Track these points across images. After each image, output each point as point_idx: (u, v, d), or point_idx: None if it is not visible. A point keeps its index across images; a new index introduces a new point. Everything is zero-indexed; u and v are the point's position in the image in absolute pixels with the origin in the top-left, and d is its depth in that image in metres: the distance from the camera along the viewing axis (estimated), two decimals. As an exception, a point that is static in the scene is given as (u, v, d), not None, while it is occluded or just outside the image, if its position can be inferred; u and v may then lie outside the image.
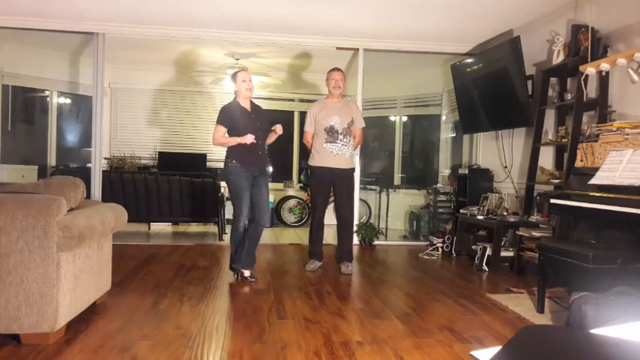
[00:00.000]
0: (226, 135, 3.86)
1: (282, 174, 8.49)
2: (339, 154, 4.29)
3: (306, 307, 3.19)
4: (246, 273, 3.86)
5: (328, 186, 4.37)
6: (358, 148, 4.96)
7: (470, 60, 5.61)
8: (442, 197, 6.08)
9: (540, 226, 4.30)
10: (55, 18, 5.30)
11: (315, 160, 4.36)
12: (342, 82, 4.35)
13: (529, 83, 4.76)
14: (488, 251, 4.53)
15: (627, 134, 3.32)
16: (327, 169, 4.30)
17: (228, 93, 7.64)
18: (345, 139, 4.30)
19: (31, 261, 2.32)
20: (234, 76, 3.94)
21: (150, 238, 6.20)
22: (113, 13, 5.15)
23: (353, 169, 4.45)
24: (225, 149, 3.91)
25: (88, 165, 5.84)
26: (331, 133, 4.28)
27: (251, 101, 3.99)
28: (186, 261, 4.61)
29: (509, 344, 1.65)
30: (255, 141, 3.79)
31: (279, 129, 4.05)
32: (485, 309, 3.25)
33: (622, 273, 2.81)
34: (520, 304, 3.32)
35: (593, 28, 3.96)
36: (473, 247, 4.83)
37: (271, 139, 4.10)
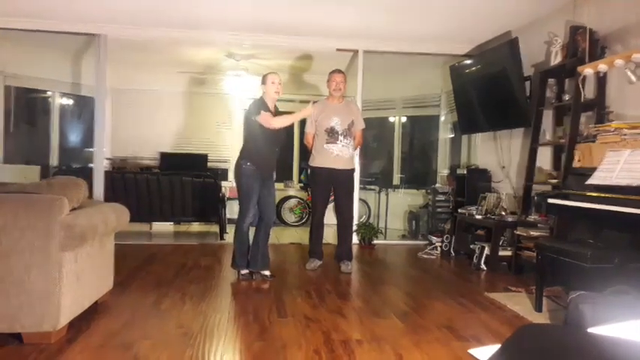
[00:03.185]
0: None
1: (283, 174, 8.50)
2: (340, 155, 4.31)
3: (306, 306, 3.21)
4: (266, 272, 3.94)
5: (328, 186, 4.39)
6: (358, 149, 4.96)
7: (468, 61, 5.63)
8: (441, 197, 6.10)
9: (538, 225, 4.31)
10: (57, 19, 5.32)
11: (316, 161, 4.38)
12: (343, 85, 4.36)
13: (527, 84, 4.78)
14: (487, 250, 4.54)
15: (625, 135, 3.33)
16: (327, 169, 4.32)
17: (229, 94, 7.70)
18: (345, 140, 4.32)
19: (33, 260, 2.33)
20: (264, 78, 3.97)
21: (151, 238, 6.22)
22: (115, 14, 5.17)
23: (353, 170, 4.47)
24: (241, 150, 3.96)
25: (90, 165, 5.86)
26: (332, 134, 4.30)
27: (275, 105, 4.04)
28: (188, 260, 4.63)
29: (507, 342, 1.67)
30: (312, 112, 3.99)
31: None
32: (484, 308, 3.27)
33: (619, 272, 2.82)
34: (518, 303, 3.34)
35: (591, 30, 3.97)
36: (471, 246, 4.85)
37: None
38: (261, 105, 3.87)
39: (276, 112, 4.01)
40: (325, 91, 4.59)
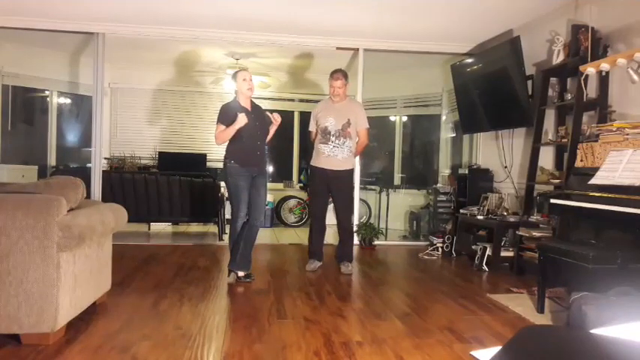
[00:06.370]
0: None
1: (282, 174, 8.49)
2: (331, 156, 4.28)
3: (306, 307, 3.19)
4: (240, 274, 3.84)
5: (324, 186, 4.35)
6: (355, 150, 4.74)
7: (470, 60, 5.61)
8: (442, 197, 6.08)
9: (540, 226, 4.30)
10: (55, 18, 5.30)
11: (313, 160, 4.38)
12: (342, 90, 4.26)
13: (529, 83, 4.76)
14: (488, 251, 4.52)
15: (627, 134, 3.32)
16: (321, 169, 4.31)
17: (228, 93, 7.65)
18: (337, 141, 4.26)
19: (31, 261, 2.32)
20: (234, 76, 3.94)
21: (150, 238, 6.20)
22: (113, 13, 5.14)
23: (348, 171, 4.35)
24: (225, 149, 3.91)
25: (88, 165, 5.84)
26: (324, 134, 4.28)
27: (251, 101, 3.97)
28: (186, 261, 4.61)
29: (509, 344, 1.65)
30: (247, 121, 3.75)
31: (277, 118, 3.98)
32: (486, 309, 3.25)
33: (622, 273, 2.80)
34: (520, 304, 3.32)
35: (593, 28, 3.96)
36: (473, 247, 4.83)
37: (271, 132, 4.06)
38: (221, 114, 3.83)
39: (253, 109, 3.94)
40: (326, 90, 4.55)
